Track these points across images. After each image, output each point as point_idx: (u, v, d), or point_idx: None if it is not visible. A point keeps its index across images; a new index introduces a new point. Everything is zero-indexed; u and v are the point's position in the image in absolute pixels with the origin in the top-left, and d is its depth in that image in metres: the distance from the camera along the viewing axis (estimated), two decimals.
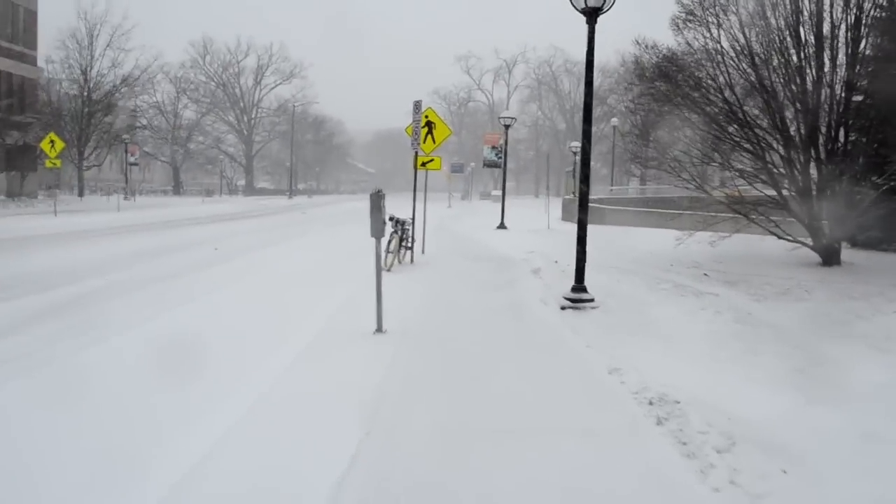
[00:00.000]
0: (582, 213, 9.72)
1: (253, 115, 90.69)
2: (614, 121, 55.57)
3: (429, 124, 16.86)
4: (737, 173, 14.99)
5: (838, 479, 4.08)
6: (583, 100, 10.10)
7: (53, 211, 31.46)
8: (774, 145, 14.63)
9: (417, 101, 14.94)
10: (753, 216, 14.74)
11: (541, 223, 29.13)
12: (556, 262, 14.38)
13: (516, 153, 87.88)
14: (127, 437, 4.78)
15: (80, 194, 49.04)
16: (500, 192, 62.21)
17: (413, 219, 15.38)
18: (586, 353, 7.19)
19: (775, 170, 14.53)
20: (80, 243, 18.48)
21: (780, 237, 14.64)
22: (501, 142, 28.46)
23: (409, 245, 15.14)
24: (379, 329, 8.02)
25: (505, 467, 4.35)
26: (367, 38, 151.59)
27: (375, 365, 6.63)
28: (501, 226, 27.37)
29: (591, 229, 25.98)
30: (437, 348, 7.45)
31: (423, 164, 17.12)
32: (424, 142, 16.89)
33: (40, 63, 48.44)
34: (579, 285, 9.67)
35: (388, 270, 13.47)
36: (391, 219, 14.21)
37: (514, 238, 22.11)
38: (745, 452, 4.43)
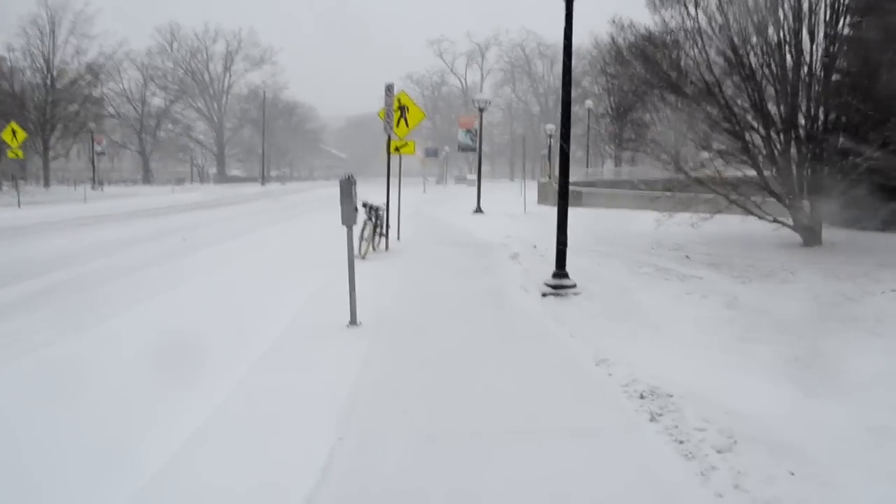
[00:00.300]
0: (562, 201, 9.37)
1: (223, 102, 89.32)
2: (588, 103, 55.38)
3: (402, 108, 16.41)
4: (716, 154, 14.73)
5: (852, 481, 3.77)
6: (557, 83, 9.77)
7: (17, 202, 30.58)
8: (754, 125, 14.39)
9: (389, 84, 14.47)
10: (733, 197, 14.51)
11: (517, 207, 28.84)
12: (535, 246, 14.06)
13: (491, 137, 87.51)
14: (72, 458, 4.36)
15: (46, 185, 47.88)
16: (475, 177, 61.90)
17: (387, 204, 14.96)
18: (571, 343, 6.86)
19: (755, 150, 14.30)
20: (40, 235, 17.83)
21: (760, 217, 14.43)
22: (476, 125, 28.03)
23: (384, 232, 14.73)
24: (353, 322, 7.62)
25: (488, 472, 4.00)
26: (338, 23, 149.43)
27: (349, 361, 6.25)
28: (478, 210, 27.02)
29: (569, 212, 25.75)
30: (415, 341, 7.07)
31: (397, 149, 16.68)
32: (398, 126, 16.45)
33: (1, 52, 47.14)
34: (560, 271, 9.34)
35: (363, 258, 13.09)
36: (364, 205, 13.78)
37: (491, 222, 21.76)
38: (748, 452, 4.11)
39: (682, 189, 16.92)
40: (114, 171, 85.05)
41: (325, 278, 10.73)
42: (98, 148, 52.24)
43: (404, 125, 16.46)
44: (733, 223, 15.35)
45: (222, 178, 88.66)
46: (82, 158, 67.27)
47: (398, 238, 16.54)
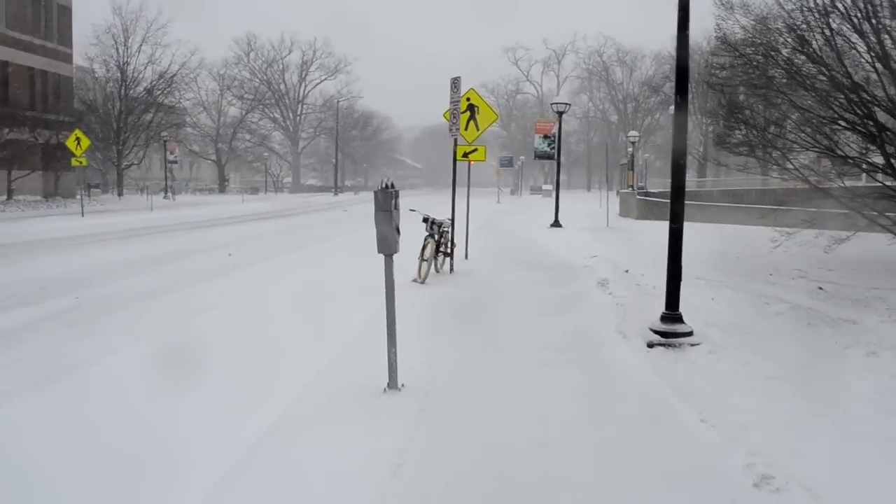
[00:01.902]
0: (675, 214, 7.10)
1: (298, 112, 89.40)
2: (672, 109, 52.17)
3: (471, 108, 14.36)
4: (851, 161, 12.11)
5: None
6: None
7: (81, 212, 29.97)
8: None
9: (455, 78, 12.48)
10: (867, 212, 11.91)
11: (598, 220, 26.39)
12: (627, 271, 11.75)
13: (567, 146, 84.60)
14: None
15: (120, 194, 47.90)
16: (551, 187, 59.40)
17: (452, 219, 12.91)
18: (704, 435, 4.63)
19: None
20: (82, 249, 16.53)
21: None
22: (555, 130, 25.78)
23: (449, 251, 12.68)
24: (392, 385, 5.58)
25: None
26: (414, 32, 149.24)
27: (378, 458, 4.22)
28: (555, 223, 24.72)
29: (655, 226, 23.11)
30: (475, 424, 4.96)
31: (465, 155, 14.62)
32: (466, 128, 14.42)
33: (78, 60, 47.44)
34: (672, 312, 7.07)
35: (422, 283, 11.10)
36: (425, 220, 11.81)
37: (571, 238, 19.46)
38: None
39: (803, 202, 14.34)
40: (192, 180, 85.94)
41: (377, 307, 8.79)
42: (171, 157, 52.17)
43: (474, 127, 14.40)
44: (868, 245, 12.71)
45: (297, 187, 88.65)
46: (161, 168, 67.88)
47: (466, 257, 14.46)
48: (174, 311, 8.97)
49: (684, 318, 7.11)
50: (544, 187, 78.16)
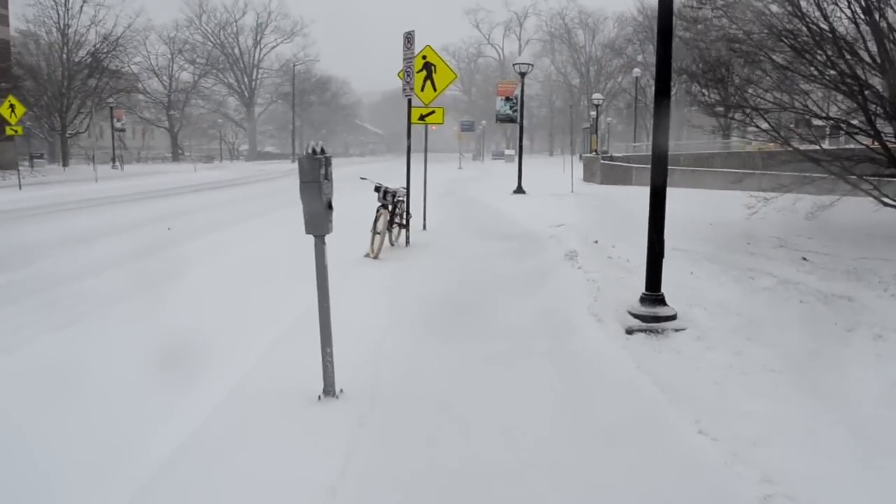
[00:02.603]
0: (657, 183, 6.20)
1: (254, 77, 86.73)
2: (636, 71, 51.42)
3: (427, 66, 13.31)
4: (831, 122, 11.38)
5: None
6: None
7: (18, 184, 28.26)
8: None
9: (409, 33, 11.40)
10: (849, 177, 11.20)
11: (562, 186, 25.56)
12: (596, 241, 10.91)
13: (529, 110, 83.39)
14: None
15: (65, 164, 45.72)
16: (514, 152, 58.40)
17: (408, 187, 11.93)
18: (706, 453, 3.79)
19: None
20: (5, 226, 15.21)
21: (887, 203, 11.12)
22: (517, 92, 24.77)
23: (404, 222, 11.72)
24: (328, 392, 4.65)
25: None
26: None
27: (300, 496, 3.31)
28: (519, 189, 23.82)
29: (621, 192, 22.36)
30: (428, 443, 4.06)
31: (422, 118, 13.60)
32: (423, 89, 13.38)
33: (16, 23, 44.84)
34: (654, 294, 6.23)
35: (375, 257, 10.15)
36: (377, 189, 10.83)
37: (536, 205, 18.58)
38: None
39: (778, 166, 13.65)
40: (144, 148, 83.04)
41: (333, 279, 7.85)
42: (118, 124, 49.93)
43: (431, 88, 13.36)
44: (849, 211, 12.04)
45: (254, 154, 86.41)
46: (109, 135, 65.22)
47: (424, 227, 13.52)
48: (85, 302, 7.88)
49: (667, 298, 6.28)
50: (507, 152, 77.16)
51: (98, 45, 46.43)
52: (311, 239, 4.63)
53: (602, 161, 34.78)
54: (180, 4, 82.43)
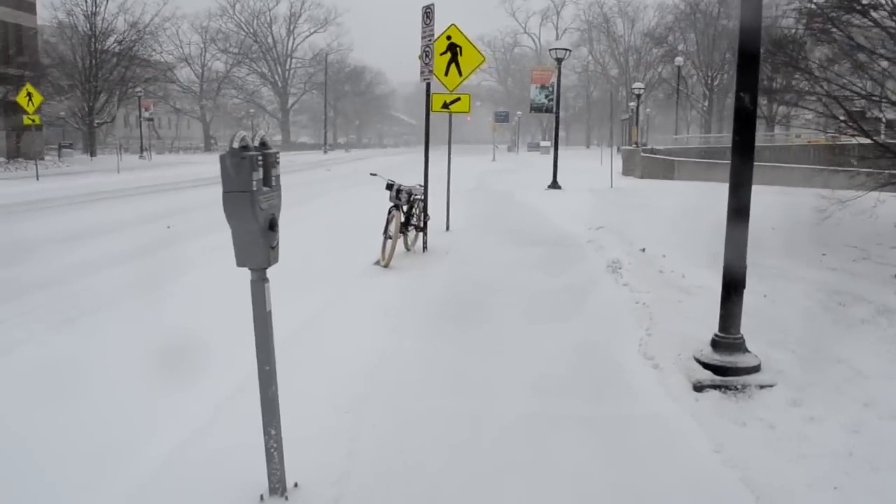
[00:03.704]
0: (740, 189, 4.64)
1: (287, 67, 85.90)
2: (679, 60, 49.17)
3: (452, 48, 11.86)
4: None
5: None
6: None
7: (35, 175, 27.45)
8: None
9: (428, 7, 9.93)
10: None
11: (600, 180, 23.87)
12: (643, 249, 9.35)
13: (565, 101, 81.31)
14: None
15: (92, 154, 45.08)
16: (549, 143, 56.53)
17: (426, 184, 10.48)
18: None
19: None
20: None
21: None
22: (553, 80, 23.10)
23: (422, 224, 10.27)
24: (274, 490, 3.23)
25: None
26: None
27: None
28: (554, 184, 22.20)
29: (664, 188, 20.56)
30: None
31: (446, 105, 12.16)
32: (447, 73, 11.93)
33: (44, 11, 44.21)
34: (730, 337, 4.68)
35: (386, 266, 8.74)
36: (390, 187, 9.41)
37: (572, 202, 17.00)
38: None
39: (846, 163, 11.92)
40: (178, 138, 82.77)
41: (323, 303, 6.55)
42: (146, 114, 49.18)
43: (455, 72, 11.91)
44: None
45: (286, 145, 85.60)
46: (142, 126, 64.73)
47: (447, 228, 12.08)
48: (85, 300, 6.58)
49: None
50: (542, 144, 75.26)
51: (126, 34, 45.60)
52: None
53: (643, 154, 32.96)
54: None
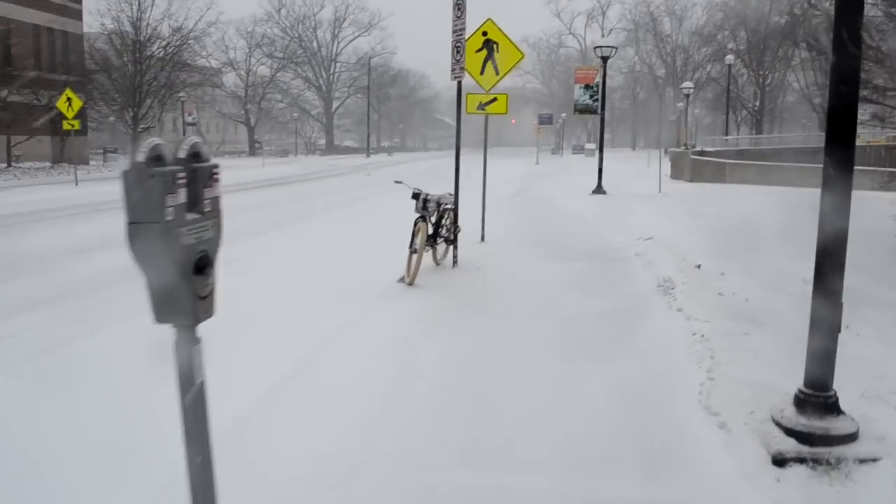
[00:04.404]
0: (834, 213, 3.63)
1: (331, 71, 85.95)
2: (729, 58, 47.38)
3: (488, 45, 11.03)
4: None
5: None
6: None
7: (74, 180, 27.39)
8: None
9: None
10: None
11: (648, 184, 22.70)
12: (699, 266, 8.33)
13: (611, 102, 79.62)
14: None
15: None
16: (593, 146, 55.16)
17: (456, 192, 9.62)
18: None
19: None
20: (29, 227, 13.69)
21: None
22: (598, 80, 22.04)
23: (452, 235, 9.40)
24: None
25: None
26: None
27: None
28: (598, 189, 21.13)
29: (716, 192, 19.25)
30: None
31: (482, 106, 11.33)
32: (483, 72, 11.10)
33: (90, 18, 44.57)
34: (820, 396, 3.68)
35: (410, 283, 7.91)
36: (416, 196, 8.58)
37: (618, 209, 15.97)
38: None
39: None
40: (224, 143, 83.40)
41: (330, 329, 5.80)
42: (189, 118, 49.31)
43: (492, 70, 11.08)
44: None
45: (330, 149, 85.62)
46: (188, 130, 65.14)
47: (482, 238, 11.22)
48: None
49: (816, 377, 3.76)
50: (587, 146, 73.76)
51: (170, 39, 45.75)
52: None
53: (692, 156, 31.60)
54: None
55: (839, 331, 3.63)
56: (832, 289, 3.61)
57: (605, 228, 12.84)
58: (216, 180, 2.32)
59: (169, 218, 2.06)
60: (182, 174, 2.11)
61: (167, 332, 2.25)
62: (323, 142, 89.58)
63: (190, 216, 2.18)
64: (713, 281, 7.56)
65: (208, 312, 2.30)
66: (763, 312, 6.18)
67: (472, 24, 10.88)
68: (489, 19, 11.01)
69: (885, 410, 4.02)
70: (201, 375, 2.33)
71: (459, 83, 9.53)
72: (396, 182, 9.34)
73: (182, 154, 2.18)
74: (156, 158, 2.07)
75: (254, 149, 73.88)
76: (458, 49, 9.15)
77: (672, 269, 8.34)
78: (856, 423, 3.63)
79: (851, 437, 3.56)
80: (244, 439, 3.75)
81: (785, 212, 13.34)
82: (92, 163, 42.15)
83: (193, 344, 2.28)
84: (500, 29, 11.00)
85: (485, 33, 10.94)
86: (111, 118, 47.29)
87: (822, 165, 3.51)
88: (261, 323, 6.16)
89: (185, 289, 2.17)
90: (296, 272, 8.94)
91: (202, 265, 2.22)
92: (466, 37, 10.35)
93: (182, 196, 2.12)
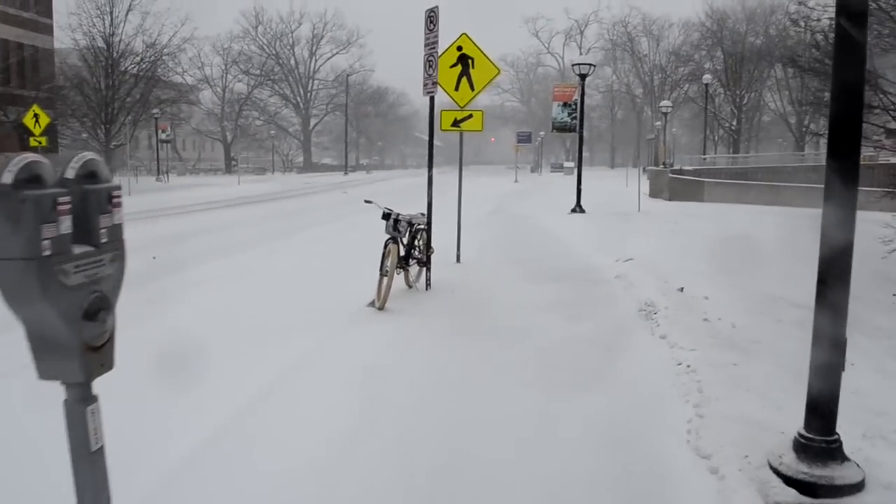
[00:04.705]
0: (837, 220, 3.31)
1: (309, 88, 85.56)
2: (707, 77, 47.66)
3: (463, 59, 10.73)
4: None
5: None
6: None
7: None
8: None
9: (432, 10, 8.74)
10: None
11: (627, 203, 22.48)
12: (682, 289, 8.00)
13: (589, 121, 79.85)
14: None
15: None
16: (573, 164, 55.10)
17: (429, 211, 9.24)
18: None
19: None
20: None
21: None
22: (576, 97, 21.84)
23: (424, 257, 9.01)
24: None
25: None
26: (429, 2, 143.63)
27: None
28: (577, 208, 20.85)
29: (695, 211, 19.02)
30: None
31: (456, 123, 11.00)
32: (457, 88, 10.79)
33: (60, 34, 43.81)
34: (823, 441, 3.32)
35: (381, 308, 7.51)
36: (387, 216, 8.19)
37: (597, 228, 15.68)
38: None
39: None
40: (200, 160, 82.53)
41: (292, 359, 5.36)
42: (163, 135, 48.60)
43: (467, 86, 10.77)
44: None
45: (308, 166, 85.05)
46: (164, 147, 64.12)
47: (458, 259, 10.83)
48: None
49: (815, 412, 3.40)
50: (566, 164, 74.01)
51: (143, 55, 45.11)
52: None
53: (671, 175, 31.54)
54: (236, 16, 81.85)
55: (843, 369, 3.28)
56: (835, 323, 3.26)
57: (584, 248, 12.52)
58: (117, 205, 1.93)
59: (46, 253, 1.66)
60: (64, 198, 1.71)
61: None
62: (301, 159, 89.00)
63: (79, 249, 1.78)
64: (697, 305, 7.22)
65: (105, 366, 1.90)
66: (751, 340, 5.85)
67: (449, 40, 10.65)
68: (464, 34, 10.72)
69: (891, 453, 3.67)
70: (99, 441, 1.91)
71: (432, 99, 9.18)
72: (366, 202, 8.95)
73: (70, 174, 1.78)
74: (30, 179, 1.67)
75: (230, 166, 73.16)
76: (430, 63, 8.81)
77: (654, 291, 8.01)
78: (862, 471, 3.27)
79: (857, 487, 3.21)
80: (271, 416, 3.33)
81: (767, 231, 13.11)
82: None
83: (87, 404, 1.87)
84: (475, 44, 10.71)
85: (459, 48, 10.64)
86: (84, 135, 46.50)
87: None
88: (213, 354, 5.71)
89: (72, 338, 1.76)
90: (259, 296, 8.50)
91: (95, 309, 1.82)
92: (440, 51, 10.09)
93: (66, 225, 1.72)
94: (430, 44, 8.72)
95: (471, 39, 10.68)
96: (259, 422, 4.37)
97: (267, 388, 4.94)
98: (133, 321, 7.14)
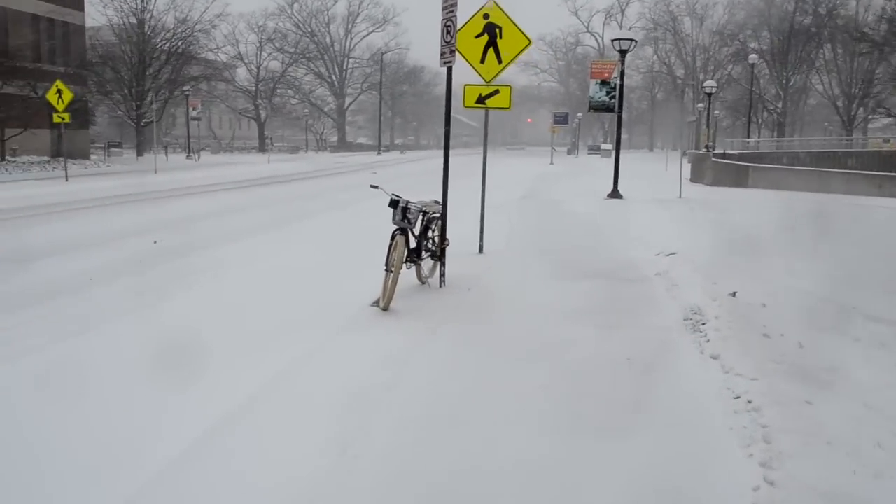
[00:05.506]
0: None
1: (344, 67, 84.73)
2: (753, 57, 45.55)
3: (490, 29, 9.67)
4: None
5: None
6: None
7: (65, 175, 26.30)
8: None
9: None
10: None
11: (667, 188, 21.22)
12: (734, 293, 6.88)
13: (629, 102, 77.79)
14: None
15: (139, 153, 44.21)
16: (610, 146, 53.52)
17: (444, 200, 8.23)
18: None
19: None
20: None
21: None
22: (615, 75, 20.57)
23: (437, 249, 8.00)
24: None
25: None
26: None
27: None
28: (614, 193, 19.63)
29: (740, 197, 17.50)
30: None
31: (482, 99, 9.98)
32: (483, 60, 9.76)
33: (91, 10, 43.42)
34: None
35: (385, 309, 6.56)
36: (394, 203, 7.20)
37: (636, 216, 14.51)
38: None
39: None
40: (235, 138, 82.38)
41: (276, 370, 4.54)
42: (193, 113, 48.11)
43: (494, 58, 9.73)
44: None
45: (342, 145, 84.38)
46: (198, 125, 63.70)
47: (480, 250, 9.83)
48: None
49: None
50: (603, 146, 72.19)
51: (175, 30, 44.55)
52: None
53: (714, 159, 30.05)
54: None
55: None
56: None
57: (621, 239, 11.41)
58: None
59: None
60: None
61: None
62: (335, 138, 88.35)
63: None
64: (754, 315, 6.12)
65: None
66: (825, 366, 4.76)
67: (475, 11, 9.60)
68: (493, 2, 9.62)
69: None
70: None
71: (449, 69, 8.16)
72: (372, 186, 7.95)
73: None
74: None
75: (263, 144, 72.70)
76: (448, 29, 7.75)
77: (701, 295, 6.92)
78: None
79: None
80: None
81: (825, 223, 11.84)
82: (94, 157, 41.04)
83: None
84: (504, 12, 9.64)
85: (486, 16, 9.58)
86: (119, 112, 46.21)
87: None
88: (185, 365, 4.80)
89: None
90: (255, 292, 7.61)
91: None
92: (466, 19, 9.07)
93: None
94: (449, 6, 7.65)
95: (499, 7, 9.61)
96: (231, 446, 3.46)
97: (224, 419, 4.01)
98: (112, 317, 6.29)
